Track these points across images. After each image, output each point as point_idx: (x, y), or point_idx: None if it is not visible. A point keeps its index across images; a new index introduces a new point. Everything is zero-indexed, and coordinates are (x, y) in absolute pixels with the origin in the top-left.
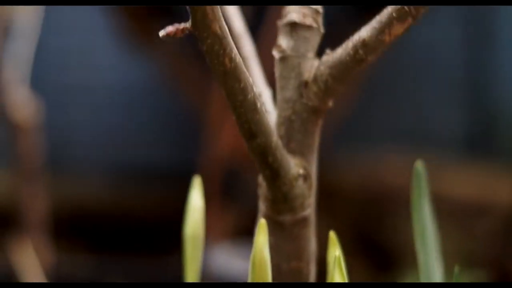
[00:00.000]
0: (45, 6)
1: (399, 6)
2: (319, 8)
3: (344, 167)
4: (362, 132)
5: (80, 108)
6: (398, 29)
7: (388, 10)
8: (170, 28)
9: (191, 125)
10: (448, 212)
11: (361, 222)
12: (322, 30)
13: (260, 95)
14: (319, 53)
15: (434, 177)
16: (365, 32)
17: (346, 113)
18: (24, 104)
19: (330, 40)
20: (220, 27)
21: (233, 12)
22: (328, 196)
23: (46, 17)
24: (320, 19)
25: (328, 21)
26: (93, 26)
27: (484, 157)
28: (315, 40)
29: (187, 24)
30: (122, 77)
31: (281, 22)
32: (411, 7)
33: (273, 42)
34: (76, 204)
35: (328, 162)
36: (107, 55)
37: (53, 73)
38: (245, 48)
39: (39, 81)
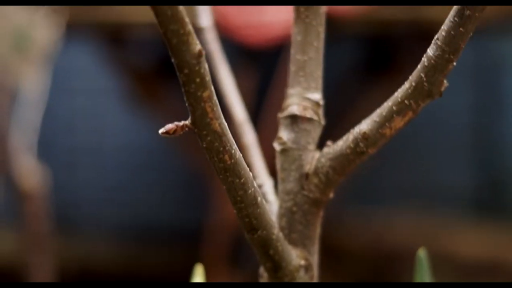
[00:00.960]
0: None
1: (399, 100)
2: (320, 100)
3: (353, 227)
4: (372, 192)
5: (87, 169)
6: (399, 122)
7: (389, 104)
8: (169, 126)
9: (198, 186)
10: (457, 271)
11: (367, 282)
12: (323, 122)
13: (261, 186)
14: (325, 116)
15: (444, 237)
16: (365, 125)
17: (356, 172)
18: (31, 171)
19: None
20: (220, 125)
21: (235, 100)
22: (335, 256)
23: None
24: (321, 111)
25: (336, 82)
26: (100, 89)
27: (493, 217)
28: (315, 132)
29: (187, 122)
30: (129, 138)
31: (281, 115)
32: (412, 101)
33: (274, 128)
34: (84, 263)
35: (337, 221)
36: (114, 117)
37: (61, 135)
38: (246, 136)
39: (47, 142)
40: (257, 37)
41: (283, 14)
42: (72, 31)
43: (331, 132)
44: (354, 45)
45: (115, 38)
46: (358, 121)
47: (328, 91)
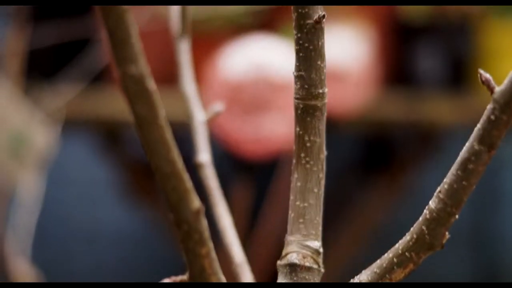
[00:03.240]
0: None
1: (400, 252)
2: (320, 247)
3: None
4: None
5: (82, 258)
6: (399, 274)
7: (389, 255)
8: (167, 280)
9: None
10: None
11: None
12: (322, 270)
13: None
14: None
15: None
16: (365, 276)
17: (352, 262)
18: (25, 276)
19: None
20: (218, 280)
21: (233, 239)
22: None
23: (50, 171)
24: (320, 259)
25: (334, 182)
26: (95, 180)
27: None
28: (315, 280)
29: (185, 277)
30: (124, 228)
31: (280, 262)
32: (413, 253)
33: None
34: None
35: None
36: (108, 207)
37: (55, 224)
38: (244, 279)
39: (42, 231)
40: (255, 151)
41: (281, 129)
42: (69, 125)
43: (328, 232)
44: (353, 145)
45: (111, 133)
46: (356, 221)
47: (326, 190)
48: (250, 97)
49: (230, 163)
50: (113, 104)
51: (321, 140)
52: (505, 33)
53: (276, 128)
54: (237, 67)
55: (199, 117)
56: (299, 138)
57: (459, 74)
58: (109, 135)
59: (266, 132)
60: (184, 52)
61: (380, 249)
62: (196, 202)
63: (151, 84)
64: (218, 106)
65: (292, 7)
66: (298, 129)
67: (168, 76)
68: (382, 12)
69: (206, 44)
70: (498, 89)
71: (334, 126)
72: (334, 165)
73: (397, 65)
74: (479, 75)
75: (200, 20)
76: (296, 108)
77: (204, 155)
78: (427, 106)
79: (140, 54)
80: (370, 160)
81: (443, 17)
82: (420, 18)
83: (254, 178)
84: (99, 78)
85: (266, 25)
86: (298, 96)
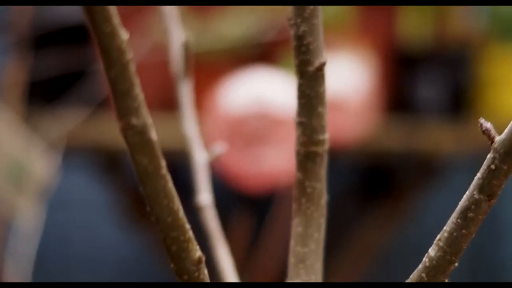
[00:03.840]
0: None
1: None
2: (320, 277)
3: None
4: None
5: (82, 282)
6: None
7: None
8: None
9: None
10: None
11: None
12: None
13: None
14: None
15: None
16: None
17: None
18: None
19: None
20: None
21: (233, 281)
22: None
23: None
24: None
25: (333, 210)
26: (94, 205)
27: None
28: None
29: None
30: (123, 252)
31: None
32: None
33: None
34: None
35: None
36: (108, 232)
37: (55, 249)
38: None
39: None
40: (255, 185)
41: (281, 163)
42: (68, 151)
43: (328, 260)
44: (353, 172)
45: (110, 159)
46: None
47: (326, 218)
48: (250, 131)
49: (230, 195)
50: (112, 131)
51: (322, 185)
52: (505, 61)
53: (276, 162)
54: (238, 100)
55: (200, 158)
56: (300, 184)
57: (459, 103)
58: (108, 161)
59: (266, 166)
60: (186, 93)
61: (380, 276)
62: (196, 252)
63: (153, 135)
64: (219, 147)
65: (293, 53)
66: (299, 174)
67: (168, 103)
68: (382, 40)
69: (207, 74)
70: (498, 138)
71: (334, 154)
72: (334, 192)
73: (397, 93)
74: (479, 124)
75: (201, 50)
76: (297, 154)
77: (205, 196)
78: (427, 134)
79: (142, 106)
80: (370, 188)
81: (443, 45)
82: (420, 46)
83: (253, 210)
84: (99, 105)
85: (267, 56)
86: (299, 142)
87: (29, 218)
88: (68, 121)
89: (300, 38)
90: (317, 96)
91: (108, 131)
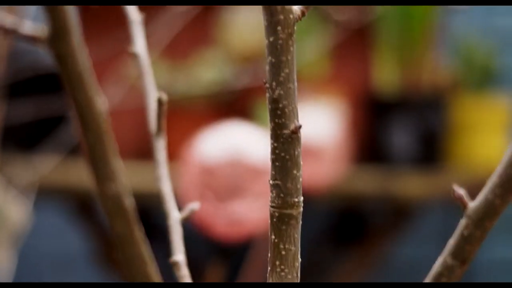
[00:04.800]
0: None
1: None
2: None
3: None
4: None
5: None
6: None
7: None
8: None
9: None
10: None
11: None
12: None
13: None
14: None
15: None
16: None
17: None
18: None
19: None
20: None
21: None
22: None
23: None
24: None
25: (307, 255)
26: (68, 249)
27: None
28: None
29: None
30: None
31: None
32: None
33: None
34: None
35: None
36: (81, 275)
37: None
38: None
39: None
40: (229, 235)
41: (255, 214)
42: (42, 195)
43: None
44: (326, 217)
45: (83, 203)
46: None
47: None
48: (224, 182)
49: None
50: (85, 175)
51: (296, 248)
52: (477, 107)
53: (250, 213)
54: (212, 151)
55: (175, 216)
56: (274, 246)
57: (431, 148)
58: (81, 205)
59: (240, 217)
60: (160, 150)
61: None
62: None
63: (128, 203)
64: (193, 204)
65: (268, 116)
66: (273, 237)
67: (144, 149)
68: (355, 88)
69: (181, 119)
70: (471, 204)
71: (307, 200)
72: (307, 237)
73: (370, 139)
74: (452, 191)
75: (176, 97)
76: (272, 216)
77: (179, 256)
78: (399, 180)
79: (118, 173)
80: (343, 233)
81: (415, 92)
82: (393, 94)
83: (228, 259)
84: (72, 150)
85: (241, 101)
86: (273, 204)
87: (2, 262)
88: (42, 166)
89: (275, 101)
90: (292, 158)
91: (81, 175)
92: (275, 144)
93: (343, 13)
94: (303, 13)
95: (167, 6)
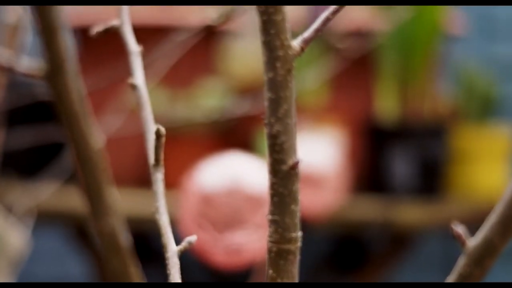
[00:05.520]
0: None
1: None
2: None
3: None
4: None
5: None
6: None
7: None
8: None
9: None
10: None
11: None
12: None
13: None
14: None
15: None
16: None
17: None
18: None
19: None
20: None
21: None
22: None
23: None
24: None
25: (309, 277)
26: (68, 275)
27: None
28: None
29: None
30: None
31: None
32: None
33: None
34: None
35: None
36: None
37: None
38: None
39: None
40: (227, 264)
41: (254, 243)
42: (41, 221)
43: None
44: (326, 245)
45: (83, 228)
46: None
47: None
48: (223, 211)
49: (203, 272)
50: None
51: (294, 282)
52: (478, 137)
53: (249, 243)
54: (211, 181)
55: (172, 249)
56: (272, 280)
57: (432, 177)
58: (80, 230)
59: (239, 247)
60: (158, 181)
61: None
62: None
63: (122, 239)
64: (191, 237)
65: (267, 152)
66: (271, 271)
67: (144, 175)
68: (355, 116)
69: (181, 146)
70: (471, 243)
71: (307, 228)
72: (307, 264)
73: (370, 168)
74: (451, 229)
75: (176, 125)
76: (269, 251)
77: None
78: (399, 209)
79: (114, 208)
80: (342, 260)
81: (416, 121)
82: (393, 122)
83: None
84: (71, 177)
85: (241, 128)
86: (271, 239)
87: None
88: (40, 193)
89: (273, 137)
90: (290, 194)
91: (80, 201)
92: (274, 180)
93: (344, 42)
94: (302, 49)
95: (167, 34)
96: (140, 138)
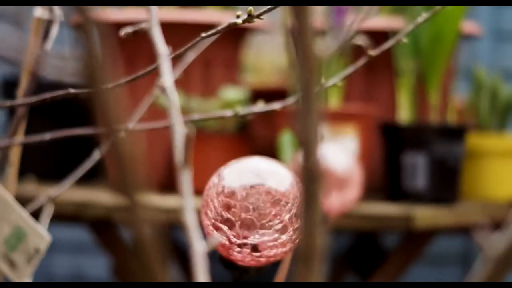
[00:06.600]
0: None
1: None
2: None
3: None
4: None
5: None
6: None
7: None
8: None
9: None
10: None
11: None
12: None
13: None
14: None
15: None
16: None
17: None
18: None
19: None
20: None
21: None
22: None
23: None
24: None
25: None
26: (91, 266)
27: None
28: None
29: None
30: None
31: None
32: None
33: None
34: None
35: None
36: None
37: None
38: None
39: None
40: (250, 263)
41: (276, 244)
42: (60, 219)
43: None
44: (344, 242)
45: (103, 225)
46: None
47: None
48: (245, 212)
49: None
50: (104, 199)
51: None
52: (495, 144)
53: (272, 242)
54: (234, 180)
55: (199, 248)
56: (296, 280)
57: (448, 179)
58: (100, 228)
59: (261, 248)
60: (186, 182)
61: None
62: None
63: (153, 237)
64: (216, 238)
65: (291, 151)
66: (294, 270)
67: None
68: (372, 120)
69: (207, 151)
70: (490, 248)
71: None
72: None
73: (386, 169)
74: (473, 234)
75: (201, 129)
76: (293, 251)
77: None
78: (416, 210)
79: (145, 207)
80: (360, 258)
81: (432, 125)
82: (409, 126)
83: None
84: (91, 175)
85: (266, 130)
86: (295, 238)
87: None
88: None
89: (299, 137)
90: (313, 194)
91: (100, 199)
92: (298, 179)
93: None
94: (329, 53)
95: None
96: (166, 139)
